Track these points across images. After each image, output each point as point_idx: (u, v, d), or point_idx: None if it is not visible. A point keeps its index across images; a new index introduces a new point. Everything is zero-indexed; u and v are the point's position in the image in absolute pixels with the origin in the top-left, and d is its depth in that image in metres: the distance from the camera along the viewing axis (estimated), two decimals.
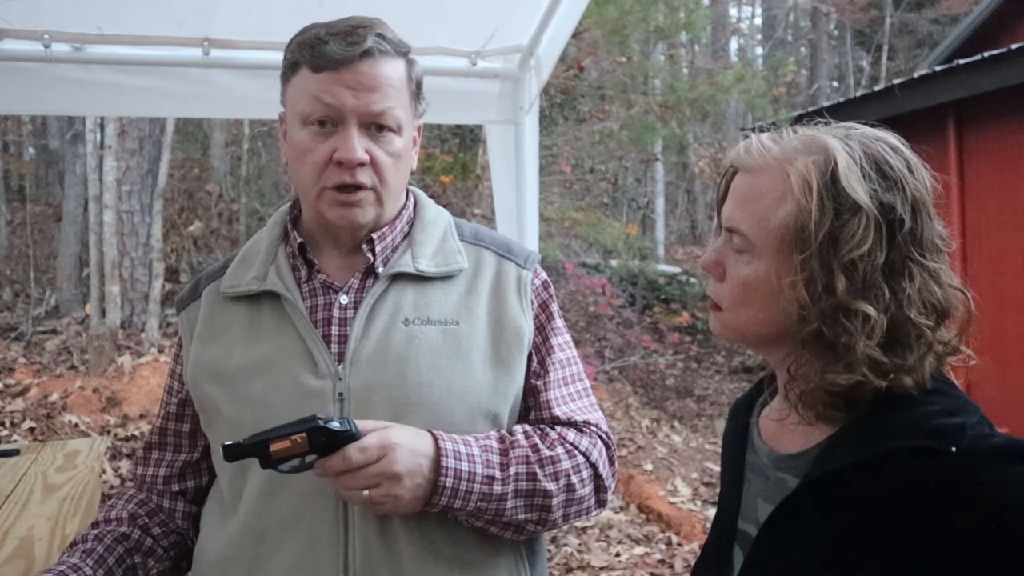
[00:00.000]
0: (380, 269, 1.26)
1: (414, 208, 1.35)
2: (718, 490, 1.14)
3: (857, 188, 0.89)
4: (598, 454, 1.27)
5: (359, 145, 1.17)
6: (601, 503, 1.30)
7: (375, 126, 1.19)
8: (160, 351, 6.69)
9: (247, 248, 1.35)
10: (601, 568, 4.31)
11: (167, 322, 7.18)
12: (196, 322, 1.32)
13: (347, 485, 1.10)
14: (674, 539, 4.72)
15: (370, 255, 1.26)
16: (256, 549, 1.20)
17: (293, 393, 1.19)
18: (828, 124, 0.98)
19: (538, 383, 1.29)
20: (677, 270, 11.06)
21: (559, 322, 1.34)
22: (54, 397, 5.85)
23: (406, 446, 1.11)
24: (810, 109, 8.45)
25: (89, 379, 6.16)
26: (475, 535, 1.21)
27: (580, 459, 1.25)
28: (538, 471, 1.19)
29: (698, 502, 5.32)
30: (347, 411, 1.19)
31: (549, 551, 4.41)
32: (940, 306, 0.90)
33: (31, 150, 11.76)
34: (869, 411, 0.90)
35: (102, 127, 7.31)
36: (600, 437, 1.30)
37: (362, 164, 1.18)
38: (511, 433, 1.23)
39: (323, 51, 1.16)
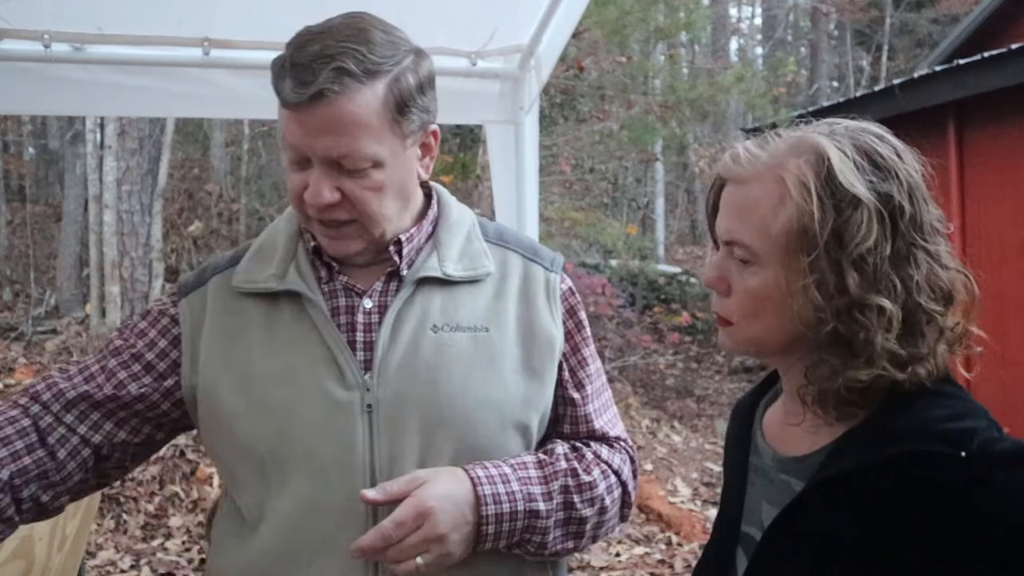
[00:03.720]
0: (405, 272, 1.19)
1: (438, 207, 1.28)
2: (718, 490, 1.14)
3: (854, 182, 0.88)
4: (628, 472, 1.26)
5: (324, 188, 1.08)
6: (624, 518, 1.28)
7: (343, 167, 1.09)
8: None
9: (262, 242, 1.25)
10: (601, 568, 4.30)
11: None
12: (203, 314, 1.21)
13: (394, 559, 1.05)
14: (674, 539, 4.72)
15: (396, 258, 1.19)
16: (284, 570, 1.13)
17: (319, 404, 1.12)
18: (808, 123, 0.97)
19: (575, 395, 1.25)
20: (677, 270, 11.04)
21: (588, 331, 1.29)
22: None
23: (447, 499, 1.07)
24: (810, 109, 8.43)
25: None
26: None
27: (613, 479, 1.23)
28: (575, 499, 1.16)
29: (698, 502, 5.31)
30: (375, 423, 1.12)
31: None
32: (946, 289, 0.90)
33: (31, 150, 11.73)
34: (876, 413, 0.90)
35: (102, 127, 7.29)
36: (627, 452, 1.28)
37: (330, 205, 1.10)
38: (549, 455, 1.19)
39: (281, 88, 1.07)
